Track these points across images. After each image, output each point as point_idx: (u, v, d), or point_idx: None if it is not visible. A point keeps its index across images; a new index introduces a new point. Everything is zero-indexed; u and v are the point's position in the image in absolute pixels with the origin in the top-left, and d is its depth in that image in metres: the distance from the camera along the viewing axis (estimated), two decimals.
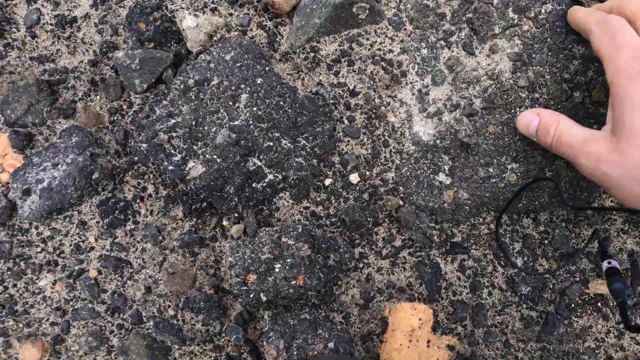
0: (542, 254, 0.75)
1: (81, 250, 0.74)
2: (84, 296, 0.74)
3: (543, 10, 0.76)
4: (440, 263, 0.75)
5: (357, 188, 0.76)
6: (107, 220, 0.75)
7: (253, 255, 0.69)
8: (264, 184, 0.74)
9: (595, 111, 0.74)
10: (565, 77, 0.75)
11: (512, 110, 0.75)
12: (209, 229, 0.76)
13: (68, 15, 0.80)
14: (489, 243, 0.75)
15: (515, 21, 0.76)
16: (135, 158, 0.77)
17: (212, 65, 0.75)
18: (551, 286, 0.75)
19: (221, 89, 0.74)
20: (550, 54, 0.75)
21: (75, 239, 0.75)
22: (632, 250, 0.74)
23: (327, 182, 0.76)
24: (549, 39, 0.75)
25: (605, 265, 0.67)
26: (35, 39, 0.80)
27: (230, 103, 0.73)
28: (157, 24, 0.78)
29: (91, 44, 0.80)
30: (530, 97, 0.75)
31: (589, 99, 0.74)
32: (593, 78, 0.75)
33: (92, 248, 0.75)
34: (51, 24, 0.80)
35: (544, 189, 0.74)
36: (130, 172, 0.77)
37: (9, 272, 0.73)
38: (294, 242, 0.68)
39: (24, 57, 0.80)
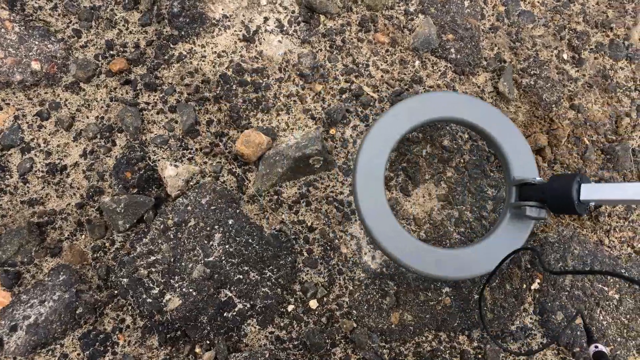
0: None
1: None
2: None
3: (462, 160, 1.03)
4: None
5: (316, 312, 0.94)
6: (88, 352, 0.88)
7: None
8: (234, 313, 0.91)
9: None
10: (483, 215, 1.00)
11: (443, 242, 0.98)
12: (183, 357, 0.90)
13: (59, 163, 0.99)
14: None
15: (441, 169, 1.02)
16: (116, 292, 0.92)
17: (189, 208, 0.95)
18: None
19: (197, 229, 0.93)
20: (470, 195, 1.01)
21: None
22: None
23: (290, 308, 0.94)
24: (468, 184, 1.01)
25: (592, 349, 0.76)
26: (27, 185, 0.98)
27: (206, 241, 0.93)
28: (141, 172, 0.98)
29: (79, 189, 0.99)
30: (457, 230, 0.99)
31: None
32: None
33: None
34: (42, 171, 0.99)
35: (473, 310, 0.95)
36: (110, 305, 0.92)
37: None
38: None
39: (15, 201, 0.97)
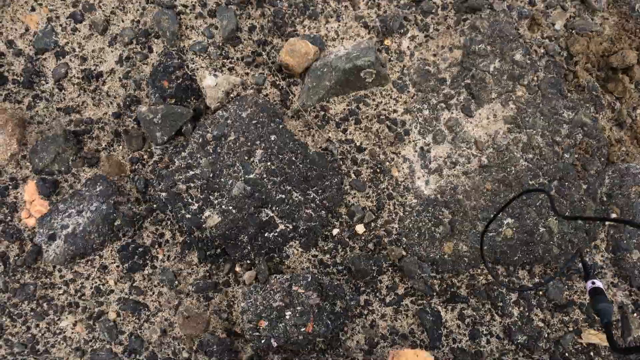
0: (537, 305, 0.87)
1: (101, 293, 0.86)
2: (103, 337, 0.85)
3: (535, 78, 0.91)
4: (441, 311, 0.87)
5: (363, 238, 0.89)
6: (127, 264, 0.87)
7: (265, 302, 0.81)
8: (276, 234, 0.87)
9: (585, 173, 0.88)
10: (556, 140, 0.89)
11: (508, 169, 0.88)
12: (223, 275, 0.88)
13: (94, 70, 0.94)
14: (487, 293, 0.87)
15: (510, 87, 0.91)
16: (154, 206, 0.89)
17: (229, 121, 0.89)
18: (546, 335, 0.87)
19: (238, 144, 0.87)
20: (542, 118, 0.90)
21: (96, 282, 0.86)
22: (622, 302, 0.87)
23: (335, 232, 0.89)
24: (541, 105, 0.90)
25: (589, 285, 0.75)
26: (63, 91, 0.94)
27: (246, 157, 0.87)
28: (178, 82, 0.92)
29: (115, 97, 0.94)
30: (524, 157, 0.89)
31: (580, 164, 0.89)
32: (582, 141, 0.89)
33: (112, 291, 0.86)
34: (78, 78, 0.94)
35: (538, 244, 0.87)
36: (149, 219, 0.89)
37: (32, 313, 0.85)
38: (304, 291, 0.80)
39: (51, 108, 0.93)
